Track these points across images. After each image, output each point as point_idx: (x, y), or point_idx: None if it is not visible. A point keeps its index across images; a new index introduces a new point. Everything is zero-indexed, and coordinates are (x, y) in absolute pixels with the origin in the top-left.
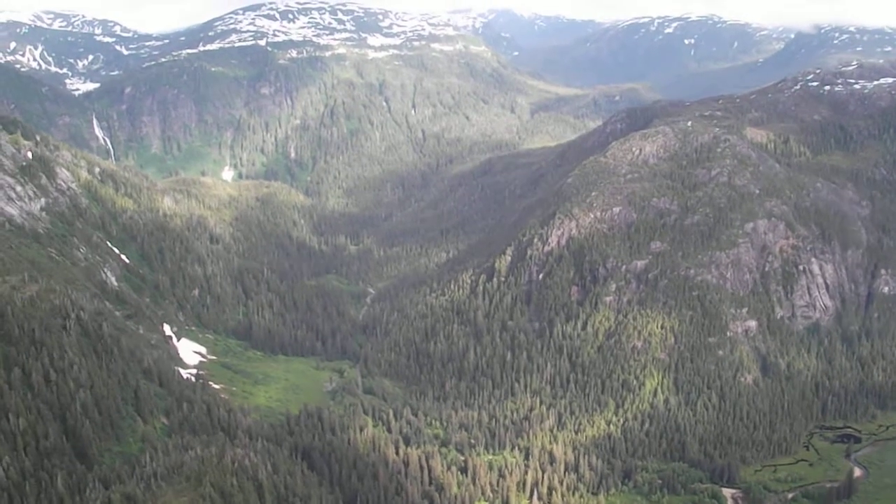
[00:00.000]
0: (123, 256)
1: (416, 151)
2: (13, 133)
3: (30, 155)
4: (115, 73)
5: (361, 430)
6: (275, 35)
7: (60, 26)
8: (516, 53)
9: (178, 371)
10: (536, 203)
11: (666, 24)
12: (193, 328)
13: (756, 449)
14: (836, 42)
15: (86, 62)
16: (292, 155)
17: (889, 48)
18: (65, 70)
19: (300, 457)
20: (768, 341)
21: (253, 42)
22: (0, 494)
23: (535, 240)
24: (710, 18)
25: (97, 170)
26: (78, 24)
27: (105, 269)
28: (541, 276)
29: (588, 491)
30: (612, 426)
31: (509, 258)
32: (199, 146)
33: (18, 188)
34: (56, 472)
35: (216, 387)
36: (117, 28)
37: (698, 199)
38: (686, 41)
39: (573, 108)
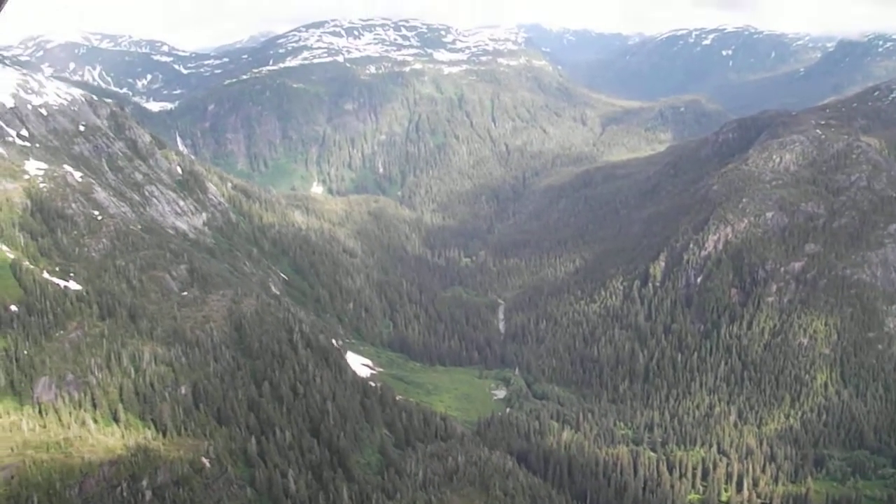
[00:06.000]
0: (279, 271)
1: (501, 165)
2: (163, 148)
3: (179, 170)
4: (178, 91)
5: (561, 432)
6: (348, 51)
7: (109, 46)
8: (560, 67)
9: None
10: (667, 210)
11: (703, 35)
12: (354, 341)
13: None
14: (880, 50)
15: (145, 81)
16: (380, 170)
17: None
18: (125, 90)
19: (517, 460)
20: None
21: (330, 59)
22: None
23: (691, 245)
24: (745, 29)
25: (229, 185)
26: (125, 45)
27: (270, 284)
28: (699, 279)
29: (788, 480)
30: (791, 419)
31: (663, 263)
32: (285, 162)
33: (181, 203)
34: (340, 484)
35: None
36: (165, 47)
37: (843, 203)
38: (724, 52)
39: (642, 121)
